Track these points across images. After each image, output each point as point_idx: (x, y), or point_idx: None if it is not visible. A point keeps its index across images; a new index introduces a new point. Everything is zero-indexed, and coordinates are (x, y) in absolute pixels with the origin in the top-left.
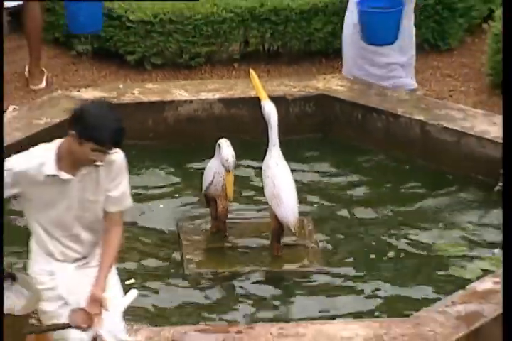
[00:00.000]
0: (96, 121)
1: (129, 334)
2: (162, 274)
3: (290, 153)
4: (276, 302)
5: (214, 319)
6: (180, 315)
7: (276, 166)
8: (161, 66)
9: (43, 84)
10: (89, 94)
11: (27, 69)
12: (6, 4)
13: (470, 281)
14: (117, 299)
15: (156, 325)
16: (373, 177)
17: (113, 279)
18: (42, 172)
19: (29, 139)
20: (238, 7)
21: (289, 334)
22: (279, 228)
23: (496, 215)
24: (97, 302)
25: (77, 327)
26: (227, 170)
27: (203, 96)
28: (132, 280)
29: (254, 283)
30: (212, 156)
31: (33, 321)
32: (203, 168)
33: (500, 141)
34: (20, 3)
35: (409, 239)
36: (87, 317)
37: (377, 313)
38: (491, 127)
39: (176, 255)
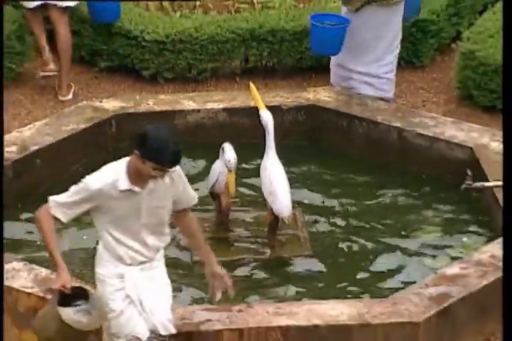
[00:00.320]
0: (157, 144)
1: None
2: (173, 261)
3: (284, 155)
4: (273, 285)
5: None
6: (189, 296)
7: (272, 167)
8: (172, 80)
9: (70, 96)
10: (110, 104)
11: (57, 84)
12: (29, 5)
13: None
14: (168, 291)
15: None
16: (355, 176)
17: (162, 271)
18: (117, 187)
19: (58, 143)
20: (240, 29)
21: (284, 313)
22: (274, 221)
23: (463, 209)
24: (222, 278)
25: None
26: (230, 171)
27: (209, 106)
28: None
29: (253, 268)
30: (217, 158)
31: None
32: (209, 169)
33: (467, 144)
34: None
35: (387, 230)
36: None
37: (360, 295)
38: (459, 133)
39: (185, 243)
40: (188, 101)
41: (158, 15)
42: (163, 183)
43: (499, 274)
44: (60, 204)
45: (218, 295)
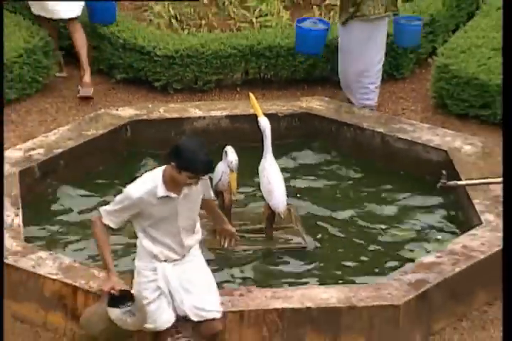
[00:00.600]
0: (190, 156)
1: None
2: None
3: (280, 157)
4: (270, 273)
5: (220, 284)
6: None
7: (270, 167)
8: (181, 90)
9: (91, 92)
10: (126, 112)
11: (79, 88)
12: (34, 11)
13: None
14: (201, 281)
15: None
16: (342, 175)
17: (194, 264)
18: (155, 195)
19: (79, 147)
20: (240, 45)
21: (280, 297)
22: (271, 215)
23: (439, 207)
24: (232, 235)
25: None
26: (232, 171)
27: (213, 113)
28: None
29: (252, 258)
30: (221, 160)
31: None
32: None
33: (441, 147)
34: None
35: (370, 225)
36: None
37: (348, 281)
38: (434, 137)
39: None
40: (194, 109)
41: (168, 33)
42: (196, 187)
43: (470, 262)
44: (108, 213)
45: (225, 242)
